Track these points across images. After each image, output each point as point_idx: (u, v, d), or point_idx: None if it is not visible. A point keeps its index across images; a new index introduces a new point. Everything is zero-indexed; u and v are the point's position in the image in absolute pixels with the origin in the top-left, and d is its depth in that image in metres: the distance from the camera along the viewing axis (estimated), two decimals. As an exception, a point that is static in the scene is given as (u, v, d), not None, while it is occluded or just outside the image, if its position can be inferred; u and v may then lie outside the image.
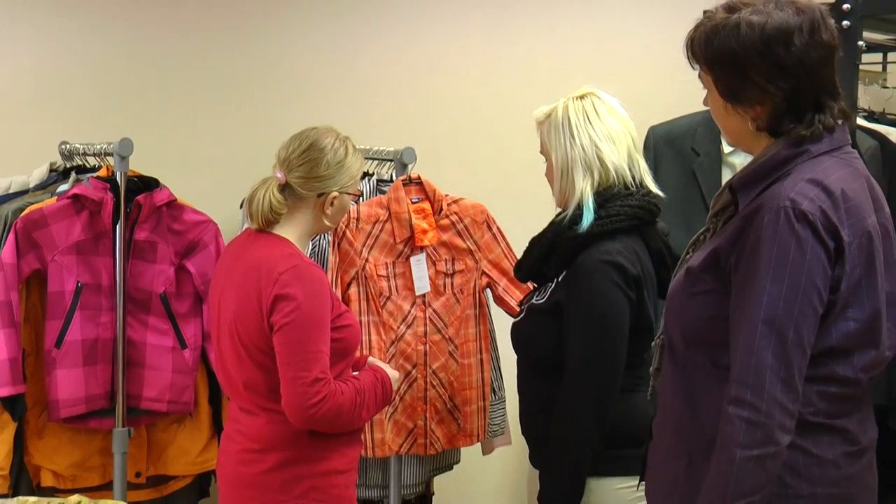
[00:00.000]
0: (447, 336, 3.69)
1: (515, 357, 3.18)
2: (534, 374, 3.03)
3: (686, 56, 2.37)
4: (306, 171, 2.98)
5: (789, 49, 2.22)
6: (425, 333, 3.66)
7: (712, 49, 2.28)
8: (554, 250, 2.96)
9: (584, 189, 2.92)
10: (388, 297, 3.64)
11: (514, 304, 3.73)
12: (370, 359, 3.19)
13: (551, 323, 2.93)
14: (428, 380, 3.66)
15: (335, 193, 3.00)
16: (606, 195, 2.92)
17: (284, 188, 2.99)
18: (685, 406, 2.37)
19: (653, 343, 2.59)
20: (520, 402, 3.13)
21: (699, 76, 2.37)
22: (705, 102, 2.42)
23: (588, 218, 2.89)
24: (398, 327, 3.65)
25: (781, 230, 2.16)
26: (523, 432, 3.14)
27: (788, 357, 2.16)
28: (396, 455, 3.72)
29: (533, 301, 3.03)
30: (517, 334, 3.07)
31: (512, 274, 3.72)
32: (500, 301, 3.80)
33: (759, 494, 2.18)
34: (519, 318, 3.08)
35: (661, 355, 2.53)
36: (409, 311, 3.66)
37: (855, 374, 2.26)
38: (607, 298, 2.85)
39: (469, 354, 3.73)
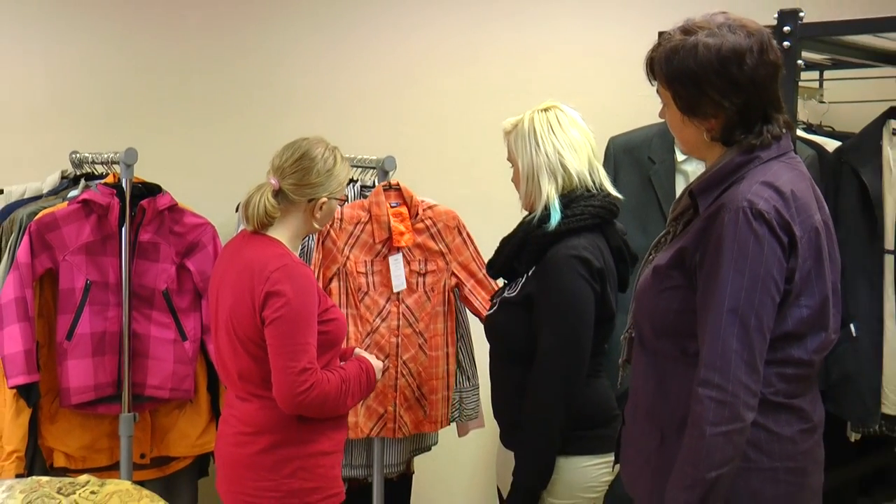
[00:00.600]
0: (417, 330, 3.70)
1: (488, 347, 3.20)
2: (506, 362, 3.05)
3: (646, 73, 2.42)
4: (298, 178, 2.99)
5: (742, 68, 2.28)
6: (398, 327, 3.67)
7: (672, 68, 2.32)
8: (524, 247, 2.99)
9: (550, 192, 2.95)
10: (366, 293, 3.65)
11: (477, 304, 3.76)
12: (356, 350, 3.20)
13: (523, 314, 2.96)
14: (399, 370, 3.66)
15: (324, 199, 3.02)
16: (571, 197, 2.96)
17: (278, 193, 3.00)
18: (657, 391, 2.41)
19: (621, 337, 2.64)
20: (492, 388, 3.16)
21: (657, 91, 2.42)
22: (662, 115, 2.45)
23: (555, 217, 2.92)
24: (374, 320, 3.65)
25: (741, 228, 2.21)
26: (495, 416, 3.16)
27: (751, 342, 2.21)
28: (379, 437, 3.73)
29: (505, 295, 3.04)
30: (491, 325, 3.09)
31: (479, 276, 3.75)
32: (465, 301, 3.81)
33: (728, 466, 2.22)
34: (492, 311, 3.09)
35: (629, 348, 2.58)
36: (384, 306, 3.66)
37: (808, 356, 2.31)
38: (574, 289, 2.88)
39: (437, 347, 3.74)
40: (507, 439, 3.09)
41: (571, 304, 2.87)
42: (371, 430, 3.66)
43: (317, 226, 3.08)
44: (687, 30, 2.33)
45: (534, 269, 2.98)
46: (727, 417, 2.19)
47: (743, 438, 2.23)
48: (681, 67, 2.30)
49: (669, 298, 2.36)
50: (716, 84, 2.27)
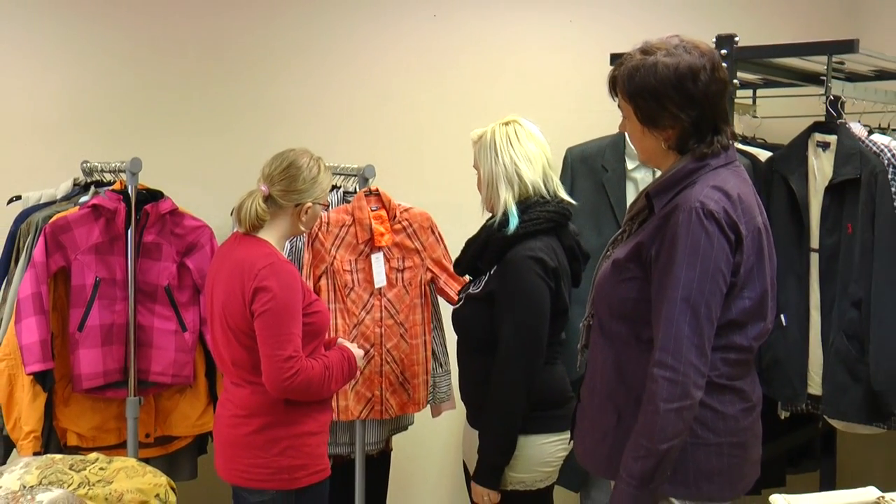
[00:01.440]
0: (398, 321, 3.71)
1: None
2: (471, 351, 3.10)
3: (609, 90, 2.47)
4: (286, 185, 3.01)
5: (697, 84, 2.33)
6: (381, 318, 3.67)
7: (634, 84, 2.36)
8: (486, 248, 3.02)
9: (507, 199, 3.00)
10: (352, 288, 3.65)
11: (452, 294, 3.78)
12: (339, 340, 3.22)
13: (486, 308, 3.01)
14: (383, 357, 3.67)
15: (309, 204, 3.04)
16: (528, 203, 3.02)
17: (267, 199, 3.00)
18: (614, 373, 2.45)
19: (580, 324, 2.67)
20: (459, 374, 3.17)
21: (619, 106, 2.46)
22: (622, 127, 2.50)
23: (513, 222, 2.97)
24: (359, 313, 3.66)
25: (693, 226, 2.25)
26: (462, 398, 3.19)
27: (701, 328, 2.25)
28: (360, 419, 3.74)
29: (470, 291, 3.07)
30: (457, 319, 3.15)
31: (450, 270, 3.76)
32: (440, 292, 3.84)
33: (678, 439, 2.28)
34: (459, 306, 3.13)
35: (587, 334, 2.61)
36: (368, 300, 3.67)
37: (749, 343, 2.37)
38: (532, 287, 2.93)
39: (416, 336, 3.76)
40: (472, 420, 3.11)
41: (529, 299, 2.92)
42: (360, 412, 3.67)
43: (302, 228, 3.10)
44: (646, 51, 2.38)
45: (495, 268, 3.00)
46: (678, 395, 2.24)
47: (692, 414, 2.28)
48: (642, 84, 2.34)
49: (627, 288, 2.40)
50: (674, 98, 2.32)
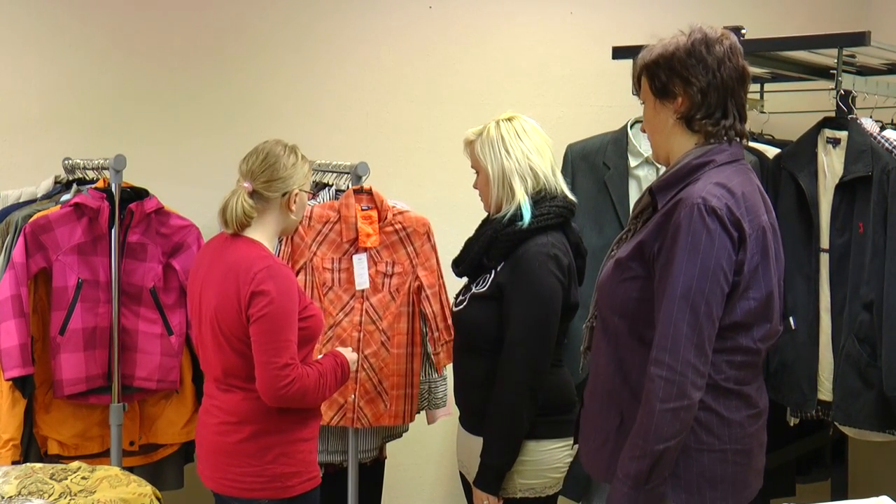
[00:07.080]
0: (381, 328, 3.66)
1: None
2: (476, 352, 3.10)
3: (633, 84, 2.54)
4: (269, 175, 3.01)
5: (710, 52, 2.38)
6: (360, 323, 3.63)
7: (653, 56, 2.45)
8: (494, 244, 3.03)
9: (521, 193, 3.01)
10: (331, 288, 3.62)
11: (428, 311, 3.73)
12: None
13: (494, 305, 3.03)
14: (360, 363, 3.62)
15: (296, 190, 3.02)
16: (537, 198, 3.04)
17: (252, 195, 2.98)
18: (617, 374, 2.46)
19: (583, 326, 2.69)
20: (458, 378, 3.18)
21: (639, 95, 2.53)
22: (643, 126, 2.56)
23: (527, 217, 2.97)
24: (336, 314, 3.63)
25: (695, 222, 2.27)
26: (459, 404, 3.19)
27: (700, 326, 2.26)
28: (340, 426, 3.70)
29: (474, 291, 3.06)
30: (462, 320, 3.13)
31: (435, 287, 3.72)
32: (422, 303, 3.77)
33: (675, 440, 2.29)
34: (463, 307, 3.13)
35: (590, 336, 2.64)
36: (348, 302, 3.63)
37: (755, 344, 2.38)
38: (546, 284, 2.95)
39: (400, 346, 3.71)
40: (473, 426, 3.10)
41: (542, 297, 2.95)
42: (331, 419, 3.63)
43: (294, 218, 3.09)
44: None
45: (503, 263, 3.00)
46: (675, 395, 2.25)
47: (690, 415, 2.29)
48: (661, 52, 2.42)
49: (629, 288, 2.41)
50: (685, 62, 2.38)
